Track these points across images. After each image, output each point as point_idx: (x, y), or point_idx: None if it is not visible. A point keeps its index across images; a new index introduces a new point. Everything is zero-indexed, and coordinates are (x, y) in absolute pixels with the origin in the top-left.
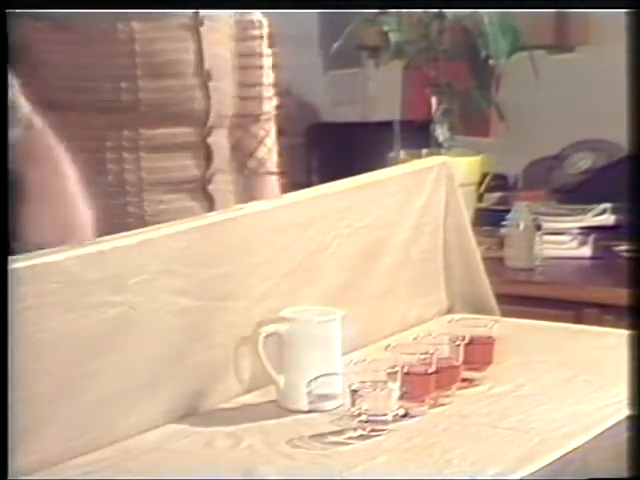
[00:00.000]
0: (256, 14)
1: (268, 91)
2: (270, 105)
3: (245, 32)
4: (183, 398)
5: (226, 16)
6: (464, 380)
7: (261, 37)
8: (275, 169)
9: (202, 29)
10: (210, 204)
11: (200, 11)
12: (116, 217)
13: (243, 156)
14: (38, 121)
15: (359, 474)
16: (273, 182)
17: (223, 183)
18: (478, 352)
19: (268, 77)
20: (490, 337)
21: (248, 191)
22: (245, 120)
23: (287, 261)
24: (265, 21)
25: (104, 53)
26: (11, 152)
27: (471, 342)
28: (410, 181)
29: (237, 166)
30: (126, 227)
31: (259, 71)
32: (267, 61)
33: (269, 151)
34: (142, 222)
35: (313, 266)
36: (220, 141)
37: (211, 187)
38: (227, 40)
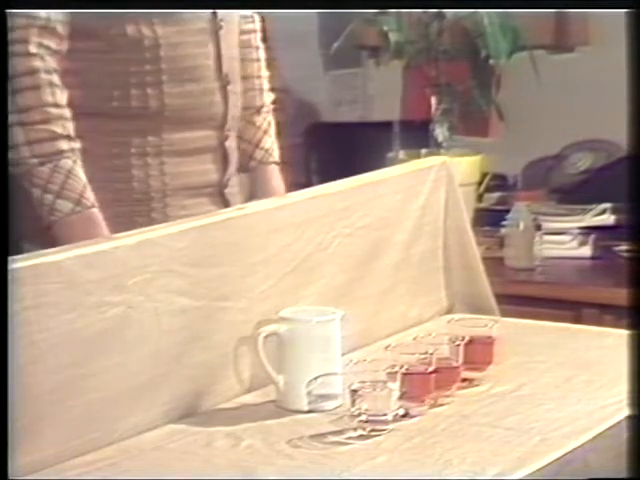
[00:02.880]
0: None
1: (267, 84)
2: (269, 98)
3: (242, 26)
4: (183, 398)
5: (237, 17)
6: (464, 380)
7: (255, 30)
8: (278, 159)
9: (221, 33)
10: (227, 207)
11: (218, 14)
12: (139, 224)
13: (249, 147)
14: (89, 198)
15: (359, 474)
16: (278, 173)
17: (235, 186)
18: (478, 352)
19: (265, 70)
20: (490, 337)
21: (256, 183)
22: (247, 112)
23: (287, 261)
24: (256, 15)
25: (130, 60)
26: (60, 223)
27: (471, 342)
28: (410, 181)
29: (242, 159)
30: None
31: (257, 63)
32: (262, 54)
33: (273, 142)
34: None
35: (313, 266)
36: (234, 144)
37: (227, 191)
38: (237, 40)
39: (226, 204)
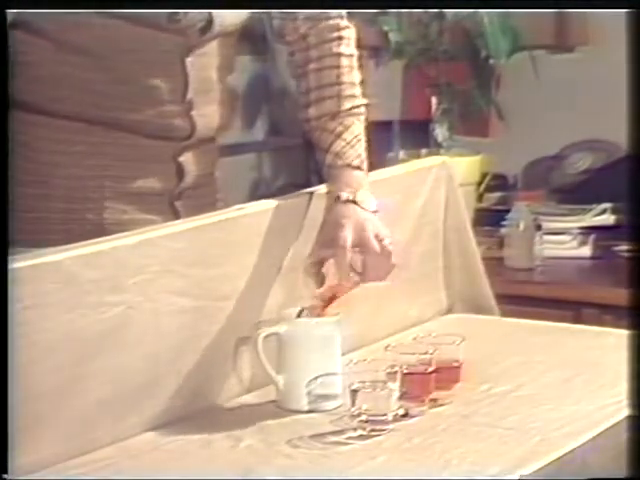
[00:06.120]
0: (344, 20)
1: (350, 89)
2: (352, 103)
3: (323, 36)
4: (183, 398)
5: (214, 46)
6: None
7: (339, 38)
8: (357, 163)
9: (187, 60)
10: (176, 219)
11: (191, 40)
12: (73, 222)
13: (321, 155)
14: None
15: (359, 474)
16: (355, 176)
17: (193, 198)
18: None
19: (349, 76)
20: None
21: (330, 186)
22: (322, 120)
23: (286, 261)
24: (343, 22)
25: (82, 66)
26: None
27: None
28: (410, 181)
29: (319, 166)
30: (83, 233)
31: (336, 70)
32: (346, 61)
33: (348, 145)
34: (101, 230)
35: None
36: (196, 158)
37: (179, 203)
38: (217, 60)
39: (176, 215)
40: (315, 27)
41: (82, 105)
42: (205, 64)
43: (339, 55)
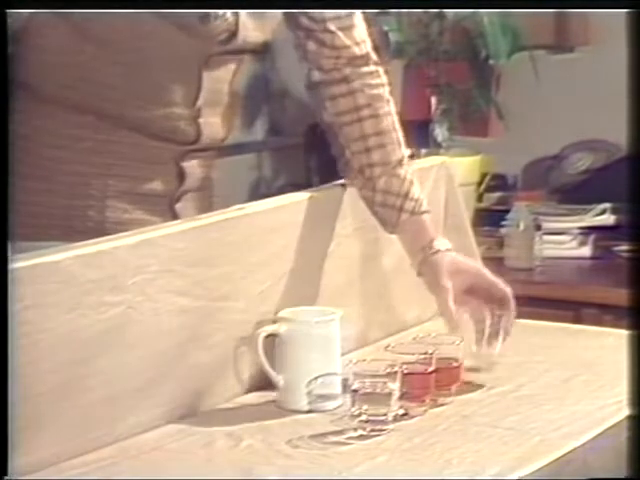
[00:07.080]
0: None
1: (401, 136)
2: (407, 150)
3: (368, 80)
4: (183, 398)
5: (232, 61)
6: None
7: (383, 84)
8: (427, 208)
9: (205, 70)
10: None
11: (211, 49)
12: (75, 219)
13: (397, 200)
14: None
15: (359, 474)
16: (431, 221)
17: (192, 201)
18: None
19: (398, 122)
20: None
21: (410, 233)
22: (389, 166)
23: (287, 261)
24: (381, 69)
25: (98, 56)
26: None
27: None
28: None
29: (391, 213)
30: (84, 230)
31: (391, 117)
32: (394, 107)
33: (420, 192)
34: (102, 228)
35: (313, 266)
36: (197, 163)
37: (179, 205)
38: (230, 75)
39: (175, 218)
40: (351, 64)
41: (91, 96)
42: (220, 77)
43: (389, 101)
